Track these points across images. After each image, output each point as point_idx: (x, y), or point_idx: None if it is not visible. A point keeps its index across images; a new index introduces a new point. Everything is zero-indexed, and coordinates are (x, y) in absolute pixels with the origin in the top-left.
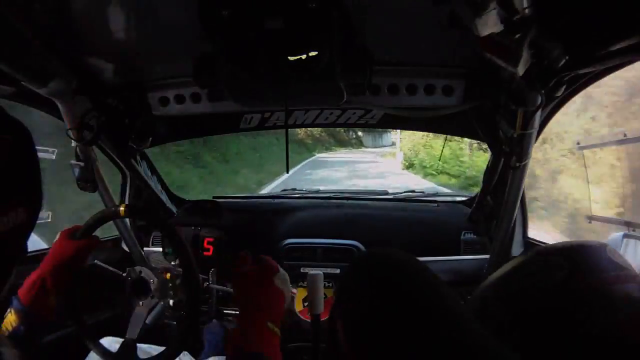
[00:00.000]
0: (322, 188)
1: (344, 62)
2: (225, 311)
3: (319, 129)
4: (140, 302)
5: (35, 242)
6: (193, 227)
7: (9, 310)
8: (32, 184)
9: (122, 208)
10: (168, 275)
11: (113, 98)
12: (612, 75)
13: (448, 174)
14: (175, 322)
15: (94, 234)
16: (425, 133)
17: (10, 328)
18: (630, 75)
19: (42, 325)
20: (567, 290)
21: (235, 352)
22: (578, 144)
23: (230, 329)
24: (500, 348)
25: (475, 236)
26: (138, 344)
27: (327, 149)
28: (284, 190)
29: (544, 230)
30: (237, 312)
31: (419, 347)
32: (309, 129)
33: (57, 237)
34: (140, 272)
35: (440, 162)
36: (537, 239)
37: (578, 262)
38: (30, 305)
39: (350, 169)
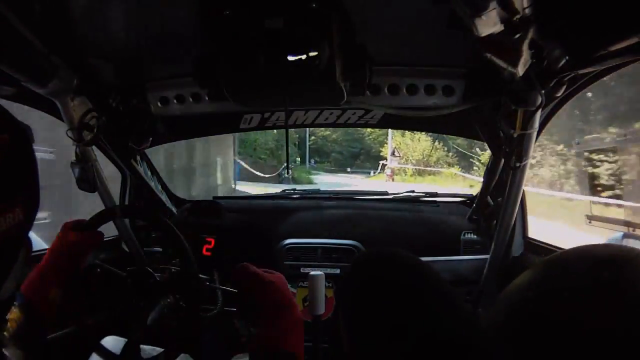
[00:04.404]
0: (322, 188)
1: (344, 62)
2: (229, 310)
3: None
4: (141, 303)
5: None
6: (193, 227)
7: (14, 306)
8: (30, 184)
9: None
10: (168, 275)
11: (113, 98)
12: None
13: None
14: (175, 323)
15: (80, 271)
16: None
17: (15, 325)
18: None
19: (42, 320)
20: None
21: (268, 353)
22: (578, 143)
23: (257, 329)
24: (503, 349)
25: (475, 236)
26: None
27: None
28: (284, 190)
29: None
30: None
31: (421, 346)
32: None
33: (60, 229)
34: (140, 272)
35: None
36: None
37: (628, 278)
38: (31, 297)
39: None
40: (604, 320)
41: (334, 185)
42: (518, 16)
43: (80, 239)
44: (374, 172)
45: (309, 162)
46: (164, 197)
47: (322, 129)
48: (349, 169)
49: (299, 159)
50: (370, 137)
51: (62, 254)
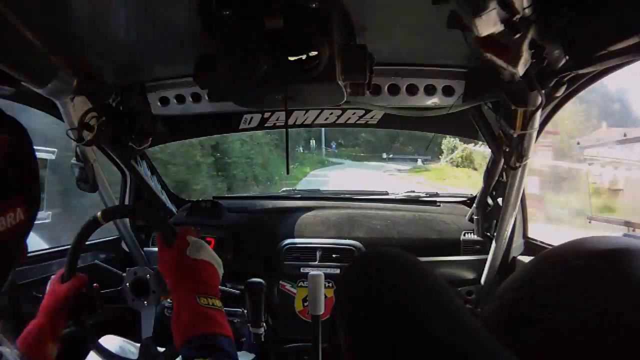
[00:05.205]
0: (322, 188)
1: (344, 62)
2: (228, 310)
3: None
4: (145, 302)
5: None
6: (193, 227)
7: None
8: (31, 184)
9: (99, 214)
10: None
11: (113, 98)
12: None
13: None
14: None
15: (80, 271)
16: None
17: None
18: None
19: None
20: (607, 307)
21: (182, 342)
22: (578, 143)
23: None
24: (501, 349)
25: (475, 236)
26: (136, 344)
27: None
28: (284, 190)
29: None
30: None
31: (419, 347)
32: None
33: (49, 283)
34: (140, 272)
35: None
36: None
37: (625, 271)
38: (28, 352)
39: None
40: (600, 315)
41: None
42: (518, 16)
43: (69, 288)
44: (422, 160)
45: (329, 145)
46: (163, 197)
47: None
48: (384, 155)
49: (313, 141)
50: None
51: (55, 310)
